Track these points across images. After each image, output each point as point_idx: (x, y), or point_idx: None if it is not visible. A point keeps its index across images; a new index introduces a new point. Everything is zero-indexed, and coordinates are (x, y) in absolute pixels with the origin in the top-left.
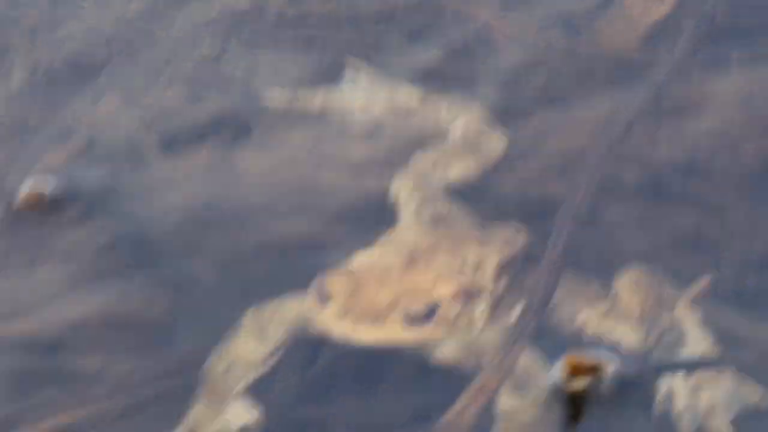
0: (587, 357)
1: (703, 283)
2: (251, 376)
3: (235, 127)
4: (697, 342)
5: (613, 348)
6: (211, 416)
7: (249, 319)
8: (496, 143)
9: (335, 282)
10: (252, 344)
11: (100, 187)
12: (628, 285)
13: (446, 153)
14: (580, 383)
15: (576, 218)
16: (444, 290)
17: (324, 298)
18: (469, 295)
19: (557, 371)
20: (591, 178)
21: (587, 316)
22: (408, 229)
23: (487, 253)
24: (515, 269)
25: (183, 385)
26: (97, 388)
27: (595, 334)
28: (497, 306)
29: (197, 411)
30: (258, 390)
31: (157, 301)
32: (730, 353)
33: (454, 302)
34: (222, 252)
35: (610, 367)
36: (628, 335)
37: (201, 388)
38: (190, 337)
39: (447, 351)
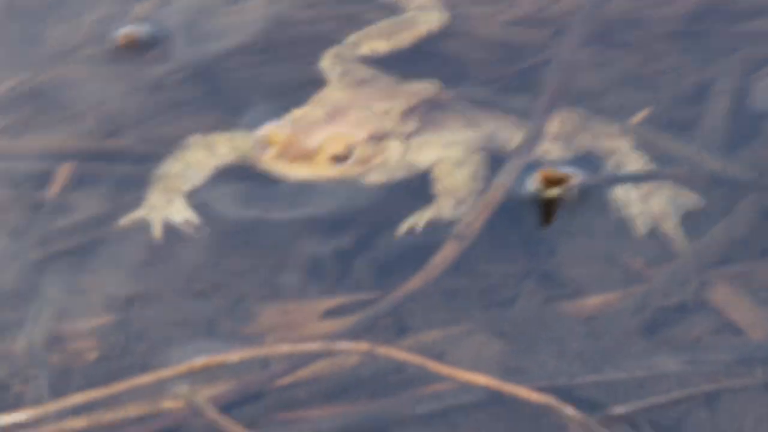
0: (558, 170)
1: (642, 113)
2: (197, 181)
3: None
4: (635, 161)
5: (576, 164)
6: (162, 205)
7: (201, 139)
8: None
9: (274, 131)
10: (202, 154)
11: (179, 31)
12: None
13: (380, 27)
14: (552, 192)
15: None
16: (358, 135)
17: (265, 145)
18: (378, 137)
19: (533, 183)
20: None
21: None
22: (332, 90)
23: (396, 104)
24: (421, 113)
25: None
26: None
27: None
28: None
29: (153, 197)
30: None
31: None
32: (667, 168)
33: (368, 144)
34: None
35: (576, 179)
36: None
37: (157, 180)
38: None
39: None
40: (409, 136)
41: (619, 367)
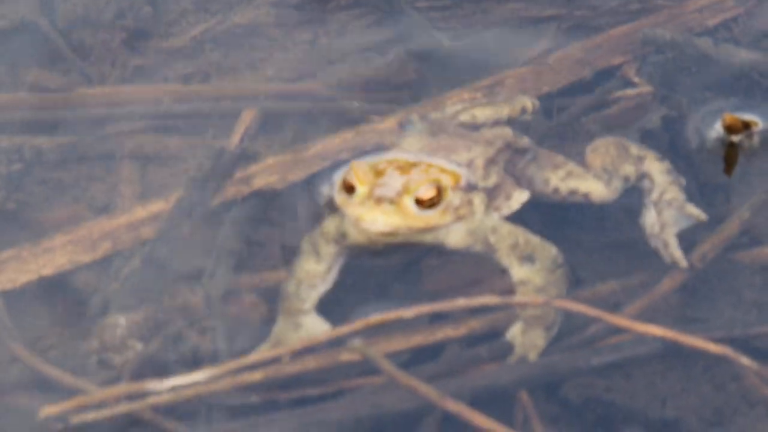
0: (741, 117)
1: None
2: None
3: None
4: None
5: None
6: (289, 334)
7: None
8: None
9: (359, 169)
10: (310, 264)
11: None
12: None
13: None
14: (735, 138)
15: None
16: (445, 181)
17: (350, 188)
18: (465, 187)
19: (718, 128)
20: None
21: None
22: (412, 139)
23: (477, 153)
24: (502, 164)
25: None
26: None
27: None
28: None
29: (279, 326)
30: None
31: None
32: None
33: (455, 192)
34: None
35: (760, 125)
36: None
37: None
38: None
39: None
40: (491, 191)
41: None
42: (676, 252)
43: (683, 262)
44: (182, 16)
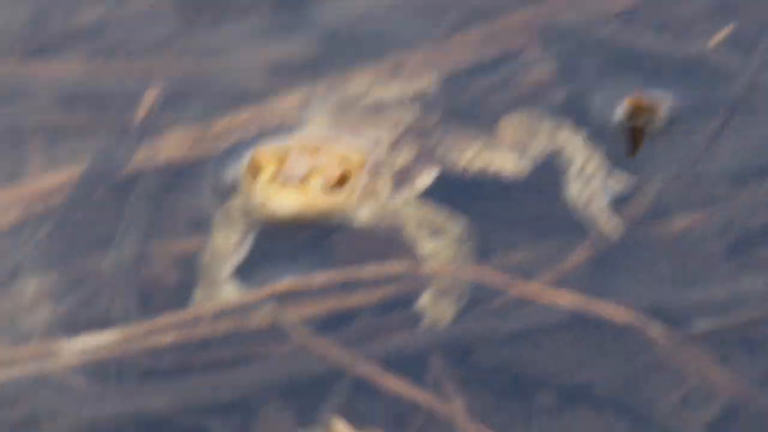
0: (646, 99)
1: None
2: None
3: None
4: (586, 156)
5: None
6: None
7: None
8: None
9: (264, 153)
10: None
11: None
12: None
13: None
14: (640, 118)
15: None
16: (353, 160)
17: (256, 171)
18: (372, 167)
19: (622, 110)
20: None
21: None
22: (319, 122)
23: (383, 132)
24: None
25: None
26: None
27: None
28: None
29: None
30: None
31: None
32: None
33: (362, 173)
34: None
35: (664, 106)
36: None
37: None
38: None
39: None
40: (398, 170)
41: (704, 289)
42: (610, 221)
43: (618, 231)
44: None
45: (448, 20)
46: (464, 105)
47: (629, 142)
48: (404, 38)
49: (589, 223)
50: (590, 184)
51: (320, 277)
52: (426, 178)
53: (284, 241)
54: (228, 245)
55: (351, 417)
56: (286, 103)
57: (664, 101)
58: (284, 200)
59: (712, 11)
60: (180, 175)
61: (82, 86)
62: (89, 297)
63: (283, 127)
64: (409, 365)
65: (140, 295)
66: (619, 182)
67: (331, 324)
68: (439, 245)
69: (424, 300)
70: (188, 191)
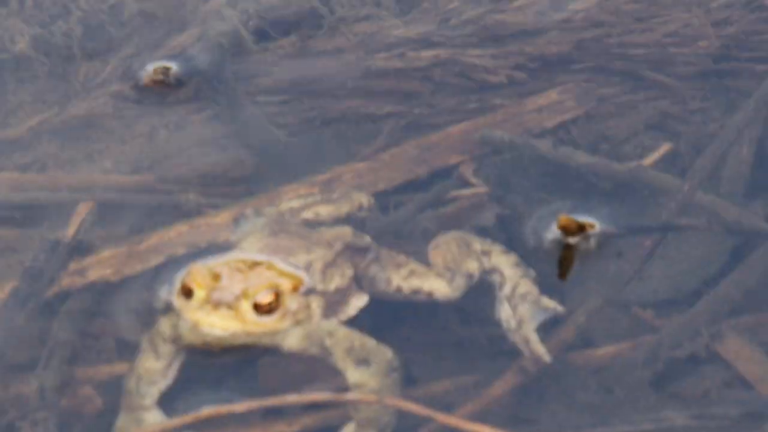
0: (576, 219)
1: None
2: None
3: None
4: (517, 279)
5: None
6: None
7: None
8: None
9: (197, 272)
10: (149, 362)
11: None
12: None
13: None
14: (573, 239)
15: None
16: (285, 285)
17: (188, 289)
18: (303, 291)
19: (554, 229)
20: None
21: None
22: (253, 239)
23: (316, 256)
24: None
25: None
26: None
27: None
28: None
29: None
30: None
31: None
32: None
33: (293, 297)
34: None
35: (595, 228)
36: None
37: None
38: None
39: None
40: (330, 295)
41: (628, 420)
42: (538, 347)
43: (546, 357)
44: (19, 106)
45: (381, 136)
46: (396, 224)
47: (560, 264)
48: (337, 155)
49: (518, 346)
50: (521, 307)
51: (243, 405)
52: (357, 303)
53: (210, 366)
54: (154, 370)
55: None
56: (218, 218)
57: (596, 221)
58: (216, 322)
59: (648, 129)
60: (108, 294)
61: (12, 199)
62: (11, 425)
63: (214, 243)
64: None
65: (62, 421)
66: (549, 306)
67: None
68: (365, 374)
69: (347, 430)
70: (117, 311)
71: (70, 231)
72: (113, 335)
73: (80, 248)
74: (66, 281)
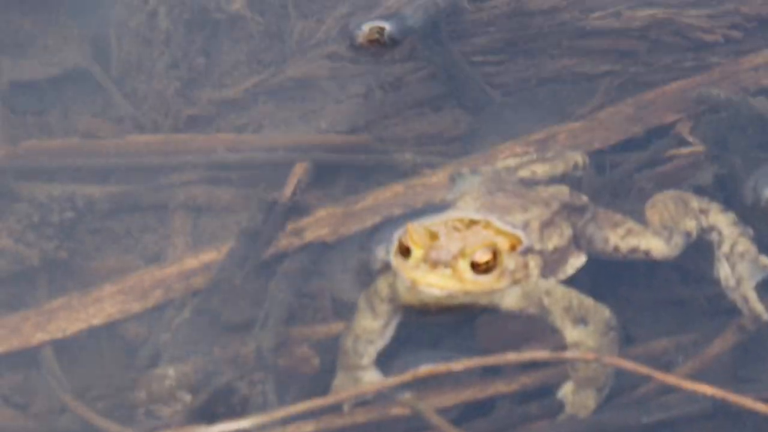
0: None
1: None
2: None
3: None
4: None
5: None
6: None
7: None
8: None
9: (414, 235)
10: (367, 321)
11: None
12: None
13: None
14: None
15: None
16: (502, 244)
17: (405, 249)
18: (521, 251)
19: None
20: None
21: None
22: (469, 199)
23: (533, 215)
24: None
25: None
26: None
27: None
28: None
29: (338, 380)
30: None
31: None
32: None
33: (511, 256)
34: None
35: None
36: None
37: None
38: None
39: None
40: (548, 254)
41: None
42: (757, 306)
43: (765, 316)
44: (235, 67)
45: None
46: (612, 183)
47: None
48: (552, 114)
49: (737, 305)
50: (739, 265)
51: (462, 364)
52: (575, 262)
53: (427, 325)
54: (372, 329)
55: None
56: (434, 178)
57: None
58: (433, 282)
59: None
60: (325, 254)
61: (229, 160)
62: (228, 386)
63: (430, 203)
64: None
65: (279, 381)
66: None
67: (471, 413)
68: (583, 333)
69: (566, 389)
70: (333, 271)
71: (287, 191)
72: (330, 295)
73: (297, 209)
74: (283, 242)
